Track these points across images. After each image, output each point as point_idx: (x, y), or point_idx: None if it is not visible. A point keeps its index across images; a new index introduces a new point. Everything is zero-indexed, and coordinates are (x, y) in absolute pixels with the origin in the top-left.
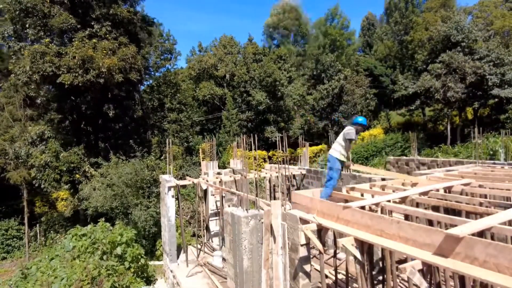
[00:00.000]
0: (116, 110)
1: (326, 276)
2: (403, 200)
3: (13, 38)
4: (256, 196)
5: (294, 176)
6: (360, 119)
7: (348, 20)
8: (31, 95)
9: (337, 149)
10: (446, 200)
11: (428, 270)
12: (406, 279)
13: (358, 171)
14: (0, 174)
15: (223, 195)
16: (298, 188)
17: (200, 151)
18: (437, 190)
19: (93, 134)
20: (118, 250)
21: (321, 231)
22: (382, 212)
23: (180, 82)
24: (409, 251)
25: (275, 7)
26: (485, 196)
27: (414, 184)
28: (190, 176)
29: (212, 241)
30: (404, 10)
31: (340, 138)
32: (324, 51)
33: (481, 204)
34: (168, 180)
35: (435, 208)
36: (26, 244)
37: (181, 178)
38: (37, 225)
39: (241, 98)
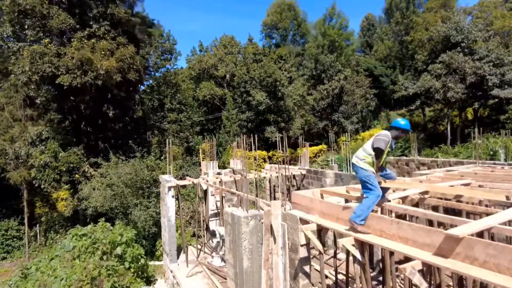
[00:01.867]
0: (115, 111)
1: (326, 277)
2: (403, 200)
3: (12, 39)
4: (256, 196)
5: (294, 176)
6: (403, 122)
7: (347, 20)
8: (31, 95)
9: (360, 157)
10: (446, 200)
11: (428, 271)
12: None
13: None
14: (0, 174)
15: (223, 195)
16: (298, 188)
17: (200, 151)
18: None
19: (92, 134)
20: (118, 250)
21: (321, 231)
22: (382, 212)
23: (180, 82)
24: (409, 251)
25: (272, 6)
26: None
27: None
28: (190, 176)
29: (212, 241)
30: (405, 10)
31: (368, 144)
32: (323, 52)
33: (480, 202)
34: (168, 180)
35: (435, 208)
36: (26, 244)
37: (181, 178)
38: (37, 225)
39: (241, 98)
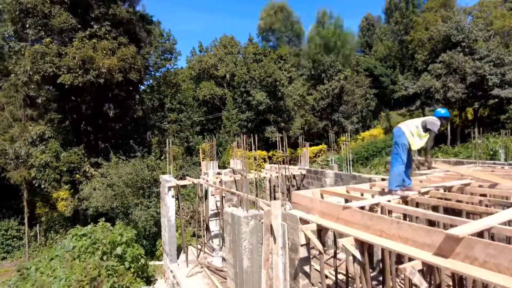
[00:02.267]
0: (116, 110)
1: (326, 277)
2: (403, 200)
3: (13, 38)
4: (256, 196)
5: (294, 176)
6: (443, 111)
7: (341, 20)
8: (31, 95)
9: (411, 128)
10: (446, 200)
11: (428, 270)
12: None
13: (359, 172)
14: (0, 174)
15: (223, 195)
16: (298, 188)
17: (200, 151)
18: (437, 190)
19: (93, 134)
20: (118, 250)
21: (321, 231)
22: (382, 212)
23: (180, 82)
24: (409, 251)
25: (264, 10)
26: (485, 196)
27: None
28: (190, 176)
29: (212, 241)
30: (405, 9)
31: (418, 121)
32: (319, 52)
33: (481, 202)
34: (168, 180)
35: (435, 208)
36: (26, 244)
37: (181, 178)
38: (37, 225)
39: (241, 98)
